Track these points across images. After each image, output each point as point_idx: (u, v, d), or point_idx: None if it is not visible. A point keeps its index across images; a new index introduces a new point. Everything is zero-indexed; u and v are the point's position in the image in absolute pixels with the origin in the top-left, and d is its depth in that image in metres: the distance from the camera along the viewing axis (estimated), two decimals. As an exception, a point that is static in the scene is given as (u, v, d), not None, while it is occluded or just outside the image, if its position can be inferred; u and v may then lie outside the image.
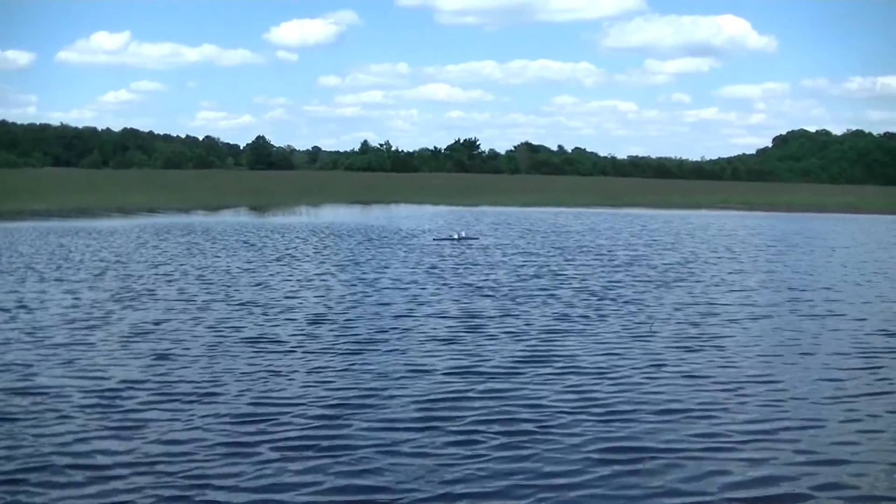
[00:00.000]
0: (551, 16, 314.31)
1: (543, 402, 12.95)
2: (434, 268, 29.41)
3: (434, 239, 41.42)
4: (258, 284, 24.79)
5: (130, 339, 16.86)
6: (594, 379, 14.38)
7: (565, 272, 28.92)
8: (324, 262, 30.75)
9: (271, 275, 27.01)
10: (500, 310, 20.93)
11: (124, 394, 12.98)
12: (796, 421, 12.26)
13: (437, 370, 14.72)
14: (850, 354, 16.83)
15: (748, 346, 17.47)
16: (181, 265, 28.96)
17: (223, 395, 13.00)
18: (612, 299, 23.00)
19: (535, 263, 31.39)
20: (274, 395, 13.15)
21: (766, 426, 12.00)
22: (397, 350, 16.26)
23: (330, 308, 20.80)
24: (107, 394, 12.95)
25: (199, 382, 13.69)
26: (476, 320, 19.50)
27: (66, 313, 19.55)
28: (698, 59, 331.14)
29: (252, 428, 11.52)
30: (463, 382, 13.95)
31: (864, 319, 20.83)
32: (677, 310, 21.50)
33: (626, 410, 12.59)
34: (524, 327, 18.75)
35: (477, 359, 15.66)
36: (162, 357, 15.38)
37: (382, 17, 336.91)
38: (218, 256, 31.87)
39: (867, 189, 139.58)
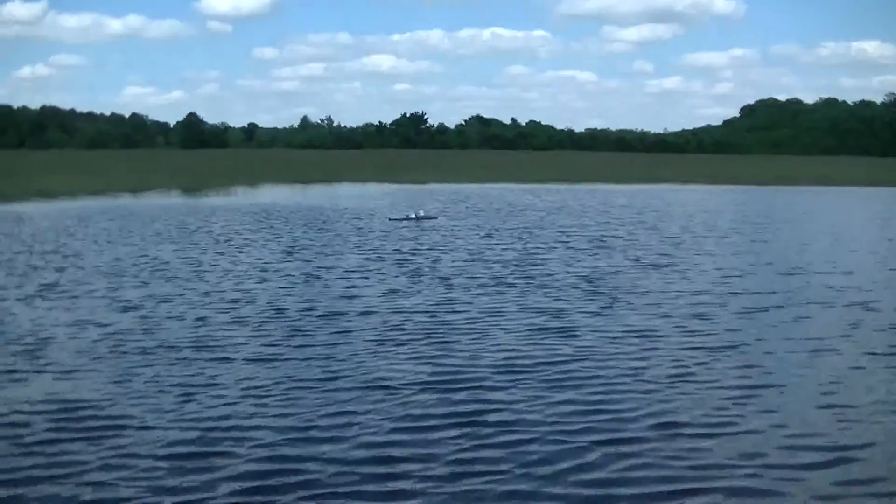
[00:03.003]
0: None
1: (545, 423, 11.71)
2: (400, 255, 28.10)
3: (390, 219, 40.26)
4: (190, 278, 23.28)
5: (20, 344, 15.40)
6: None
7: (543, 257, 27.74)
8: (268, 250, 29.25)
9: (206, 268, 25.44)
10: (489, 307, 19.66)
11: None
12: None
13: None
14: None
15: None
16: (105, 254, 27.35)
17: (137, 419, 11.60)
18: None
19: (508, 248, 30.10)
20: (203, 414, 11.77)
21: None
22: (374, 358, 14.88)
23: (281, 309, 19.28)
24: None
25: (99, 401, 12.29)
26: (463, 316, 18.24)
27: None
28: (660, 25, 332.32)
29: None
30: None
31: None
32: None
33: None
34: (518, 326, 17.54)
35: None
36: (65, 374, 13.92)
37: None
38: (143, 243, 30.24)
39: (841, 160, 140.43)
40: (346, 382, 13.16)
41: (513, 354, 14.93)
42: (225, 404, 12.05)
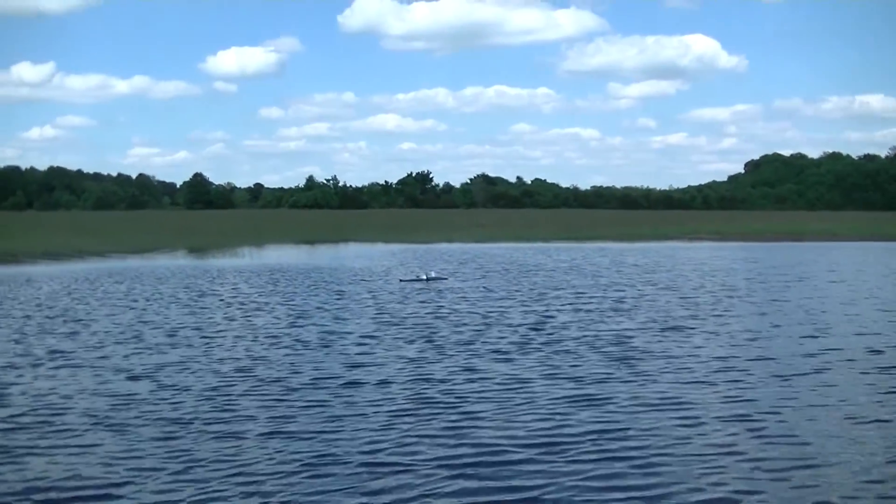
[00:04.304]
0: (506, 39, 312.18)
1: None
2: (415, 319, 27.24)
3: (401, 280, 39.50)
4: (198, 345, 22.42)
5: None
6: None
7: (561, 320, 26.84)
8: (278, 314, 28.39)
9: (215, 333, 24.60)
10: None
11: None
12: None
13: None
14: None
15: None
16: (113, 318, 26.56)
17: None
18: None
19: (524, 310, 29.16)
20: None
21: None
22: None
23: (295, 377, 18.43)
24: None
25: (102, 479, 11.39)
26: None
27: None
28: (664, 81, 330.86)
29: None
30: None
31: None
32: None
33: None
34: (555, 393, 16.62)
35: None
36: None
37: (326, 43, 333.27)
38: (151, 307, 29.45)
39: (846, 214, 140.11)
40: (365, 458, 12.34)
41: (545, 427, 14.04)
42: (245, 482, 11.24)
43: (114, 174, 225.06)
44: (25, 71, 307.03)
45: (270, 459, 12.38)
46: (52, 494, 11.05)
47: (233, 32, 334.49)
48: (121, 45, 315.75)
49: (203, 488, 11.17)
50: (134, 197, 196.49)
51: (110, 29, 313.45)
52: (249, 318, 27.08)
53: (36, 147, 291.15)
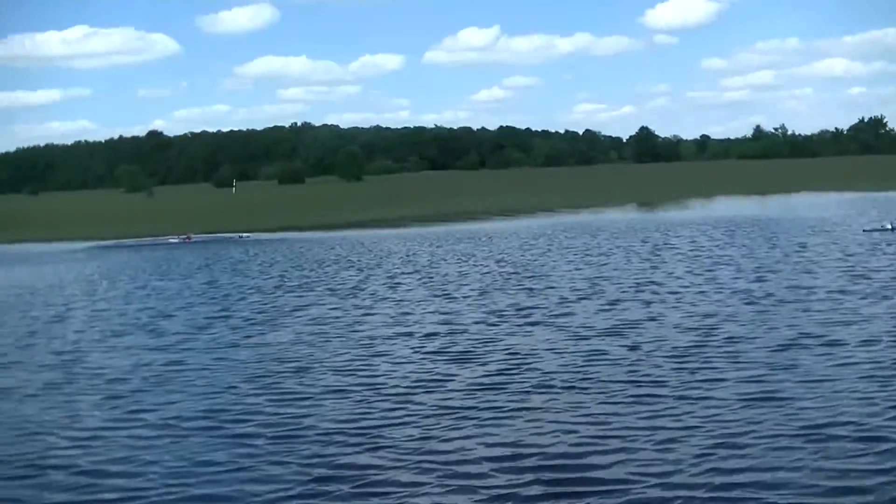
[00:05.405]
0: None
1: None
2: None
3: (864, 230, 36.29)
4: (662, 301, 21.43)
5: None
6: None
7: None
8: (741, 267, 26.70)
9: (680, 286, 23.48)
10: None
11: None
12: None
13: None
14: None
15: None
16: (572, 272, 26.39)
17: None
18: None
19: None
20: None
21: None
22: None
23: (768, 340, 16.94)
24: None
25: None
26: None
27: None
28: None
29: None
30: None
31: None
32: None
33: None
34: None
35: None
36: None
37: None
38: (607, 262, 29.00)
39: None
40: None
41: None
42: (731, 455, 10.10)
43: (561, 131, 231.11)
44: (472, 36, 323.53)
45: (757, 427, 11.09)
46: (540, 461, 10.57)
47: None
48: (560, 4, 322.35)
49: (694, 460, 10.17)
50: (582, 153, 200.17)
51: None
52: (712, 272, 25.69)
53: (485, 108, 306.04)
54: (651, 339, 16.55)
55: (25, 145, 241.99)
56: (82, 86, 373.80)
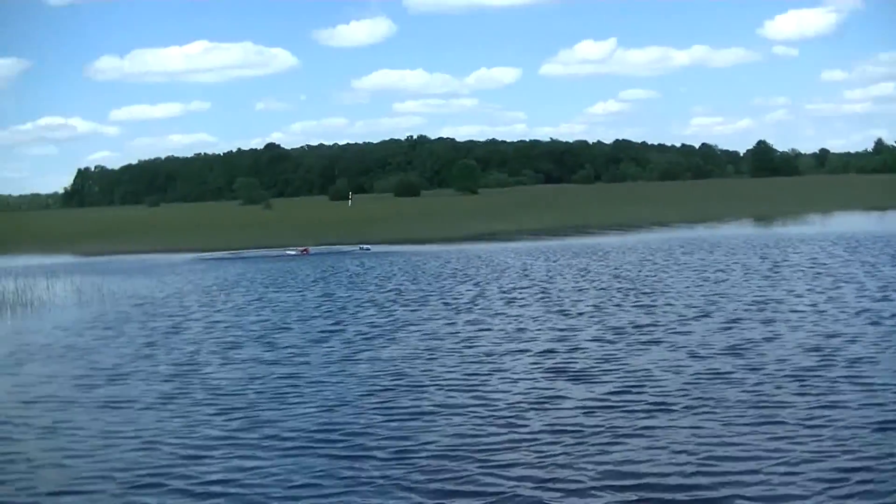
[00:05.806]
0: None
1: None
2: None
3: None
4: (787, 320, 20.99)
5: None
6: None
7: None
8: (865, 286, 25.92)
9: (808, 305, 23.01)
10: None
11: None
12: None
13: None
14: None
15: None
16: (688, 289, 26.08)
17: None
18: None
19: None
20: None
21: None
22: None
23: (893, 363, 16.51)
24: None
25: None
26: None
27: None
28: None
29: None
30: None
31: None
32: None
33: None
34: None
35: None
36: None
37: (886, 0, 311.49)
38: (725, 278, 28.55)
39: None
40: None
41: None
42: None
43: (677, 145, 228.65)
44: (588, 49, 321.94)
45: (890, 456, 10.84)
46: (638, 480, 10.53)
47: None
48: (677, 16, 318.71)
49: (821, 486, 10.00)
50: (698, 166, 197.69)
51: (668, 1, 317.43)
52: (834, 290, 25.03)
53: (601, 121, 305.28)
54: (772, 360, 16.25)
55: (146, 158, 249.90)
56: (202, 99, 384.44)
